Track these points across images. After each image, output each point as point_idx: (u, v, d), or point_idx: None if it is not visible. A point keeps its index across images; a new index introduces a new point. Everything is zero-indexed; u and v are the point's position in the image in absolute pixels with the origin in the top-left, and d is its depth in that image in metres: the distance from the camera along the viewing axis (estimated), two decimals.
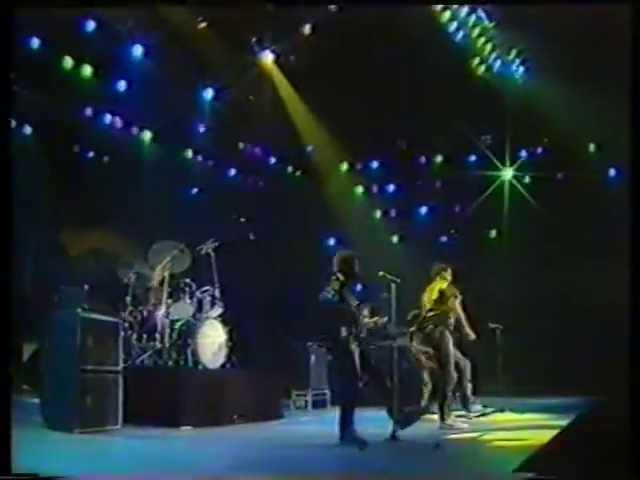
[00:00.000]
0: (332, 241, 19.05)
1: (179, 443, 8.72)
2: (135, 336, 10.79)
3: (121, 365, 9.16)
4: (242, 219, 16.31)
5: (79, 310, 8.61)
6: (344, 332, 8.70)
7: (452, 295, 10.80)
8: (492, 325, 12.83)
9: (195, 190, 17.83)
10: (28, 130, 15.07)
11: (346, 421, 8.60)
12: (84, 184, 15.30)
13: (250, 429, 10.19)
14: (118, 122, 15.84)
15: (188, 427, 9.60)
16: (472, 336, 11.02)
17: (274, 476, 6.63)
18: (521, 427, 10.47)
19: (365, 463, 7.66)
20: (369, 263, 13.43)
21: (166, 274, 11.00)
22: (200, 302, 11.16)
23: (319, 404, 13.23)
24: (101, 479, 6.17)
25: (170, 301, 11.01)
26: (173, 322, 10.91)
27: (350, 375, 8.70)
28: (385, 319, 9.81)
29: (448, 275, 10.97)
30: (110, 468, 6.72)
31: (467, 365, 11.47)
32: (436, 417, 10.65)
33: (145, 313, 10.87)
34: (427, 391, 12.06)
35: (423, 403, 11.96)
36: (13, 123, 14.17)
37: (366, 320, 9.60)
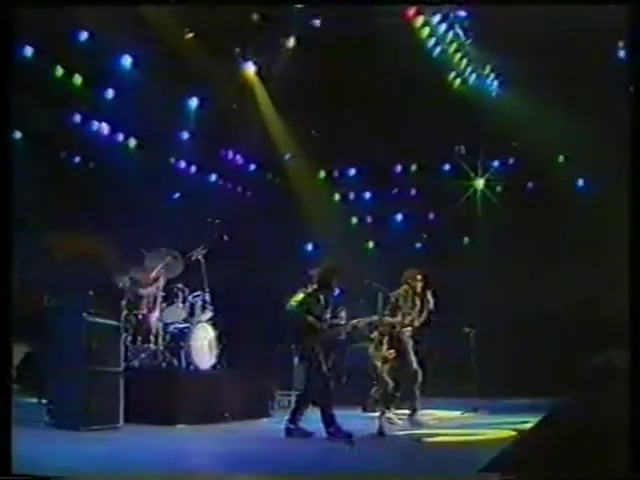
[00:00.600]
0: (310, 246, 19.73)
1: (176, 440, 9.27)
2: (130, 339, 11.31)
3: (122, 366, 9.70)
4: (217, 220, 17.07)
5: (85, 314, 9.14)
6: (308, 340, 9.43)
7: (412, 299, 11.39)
8: (466, 329, 13.51)
9: (177, 195, 18.38)
10: (18, 135, 15.54)
11: (327, 419, 9.31)
12: (70, 189, 15.82)
13: (241, 426, 10.78)
14: (105, 129, 16.37)
15: (183, 425, 10.14)
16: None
17: (270, 473, 7.13)
18: (491, 425, 11.13)
19: (350, 455, 8.34)
20: (346, 268, 14.16)
21: (160, 279, 11.53)
22: (192, 306, 11.72)
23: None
24: (101, 479, 6.36)
25: (164, 305, 11.55)
26: (166, 325, 11.45)
27: (318, 377, 9.43)
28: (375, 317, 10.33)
29: (418, 281, 11.47)
30: (112, 465, 7.20)
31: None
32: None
33: (140, 317, 11.39)
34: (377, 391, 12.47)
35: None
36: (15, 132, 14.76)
37: (353, 321, 10.12)
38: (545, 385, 13.96)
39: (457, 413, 12.78)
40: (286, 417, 9.94)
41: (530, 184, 18.84)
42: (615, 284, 17.27)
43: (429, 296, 11.62)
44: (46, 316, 9.53)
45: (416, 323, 11.50)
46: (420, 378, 11.41)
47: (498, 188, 19.18)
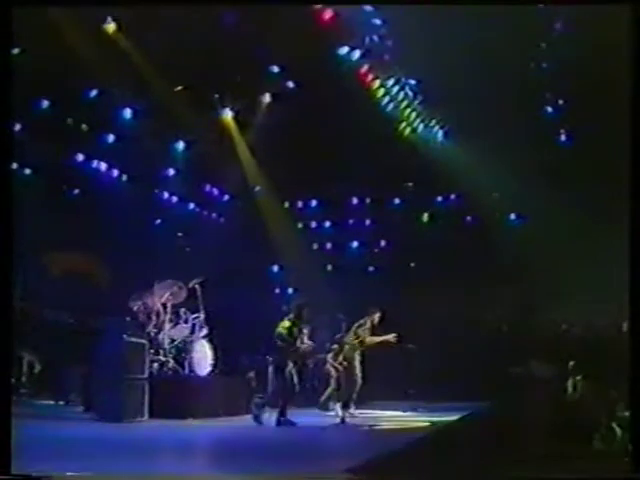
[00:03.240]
0: (275, 268, 23.50)
1: (187, 430, 12.85)
2: None
3: (147, 374, 13.33)
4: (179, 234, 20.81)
5: (125, 336, 12.79)
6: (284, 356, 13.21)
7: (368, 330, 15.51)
8: (409, 346, 17.34)
9: (159, 221, 21.98)
10: (28, 171, 19.00)
11: (282, 413, 13.18)
12: (70, 216, 19.28)
13: (232, 420, 14.39)
14: (103, 166, 19.94)
15: (190, 418, 13.75)
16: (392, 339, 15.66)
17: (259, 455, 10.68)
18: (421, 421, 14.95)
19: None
20: (308, 287, 18.26)
21: (168, 305, 15.14)
22: (193, 326, 15.36)
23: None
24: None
25: (170, 325, 15.16)
26: (172, 341, 15.07)
27: (289, 382, 13.30)
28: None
29: (375, 317, 15.53)
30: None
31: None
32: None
33: (152, 334, 14.93)
34: (330, 392, 16.25)
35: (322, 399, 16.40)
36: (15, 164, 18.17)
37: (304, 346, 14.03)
38: (473, 390, 17.94)
39: (400, 412, 16.53)
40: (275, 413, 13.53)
41: (468, 217, 22.88)
42: (537, 303, 21.56)
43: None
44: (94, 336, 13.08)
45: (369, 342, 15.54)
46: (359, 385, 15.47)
47: (441, 221, 23.28)
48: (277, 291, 23.27)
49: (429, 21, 15.87)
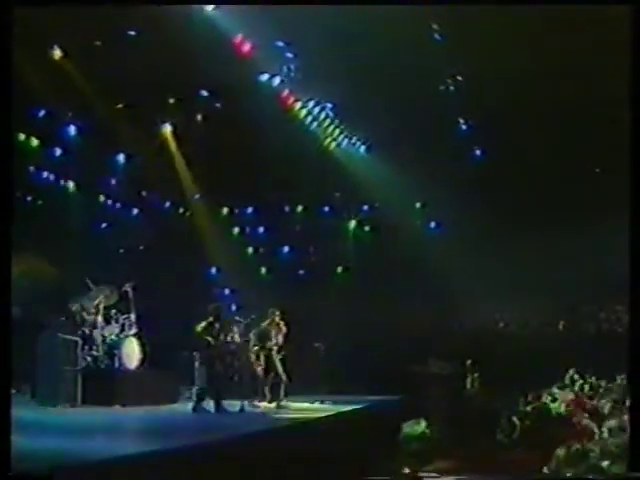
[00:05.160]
0: (213, 270, 26.52)
1: (113, 415, 15.78)
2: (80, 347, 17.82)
3: (80, 366, 16.33)
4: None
5: (59, 334, 15.83)
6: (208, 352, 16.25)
7: (275, 328, 18.36)
8: (315, 344, 20.38)
9: (104, 225, 24.88)
10: None
11: (218, 402, 16.10)
12: (24, 219, 22.08)
13: (158, 408, 17.32)
14: (51, 176, 22.82)
15: (118, 406, 16.69)
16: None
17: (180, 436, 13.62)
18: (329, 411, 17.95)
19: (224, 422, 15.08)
20: (243, 288, 21.26)
21: (101, 306, 18.11)
22: (123, 325, 18.33)
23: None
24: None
25: (103, 324, 18.11)
26: (105, 338, 18.03)
27: (215, 377, 16.33)
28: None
29: (276, 316, 18.33)
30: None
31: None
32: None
33: (87, 332, 17.86)
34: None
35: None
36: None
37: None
38: (376, 385, 20.96)
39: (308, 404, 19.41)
40: (192, 401, 16.55)
41: (393, 225, 25.95)
42: (445, 306, 24.70)
43: (282, 325, 18.40)
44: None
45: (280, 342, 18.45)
46: (284, 380, 18.41)
47: (366, 228, 26.41)
48: (215, 291, 26.18)
49: (344, 47, 18.64)
